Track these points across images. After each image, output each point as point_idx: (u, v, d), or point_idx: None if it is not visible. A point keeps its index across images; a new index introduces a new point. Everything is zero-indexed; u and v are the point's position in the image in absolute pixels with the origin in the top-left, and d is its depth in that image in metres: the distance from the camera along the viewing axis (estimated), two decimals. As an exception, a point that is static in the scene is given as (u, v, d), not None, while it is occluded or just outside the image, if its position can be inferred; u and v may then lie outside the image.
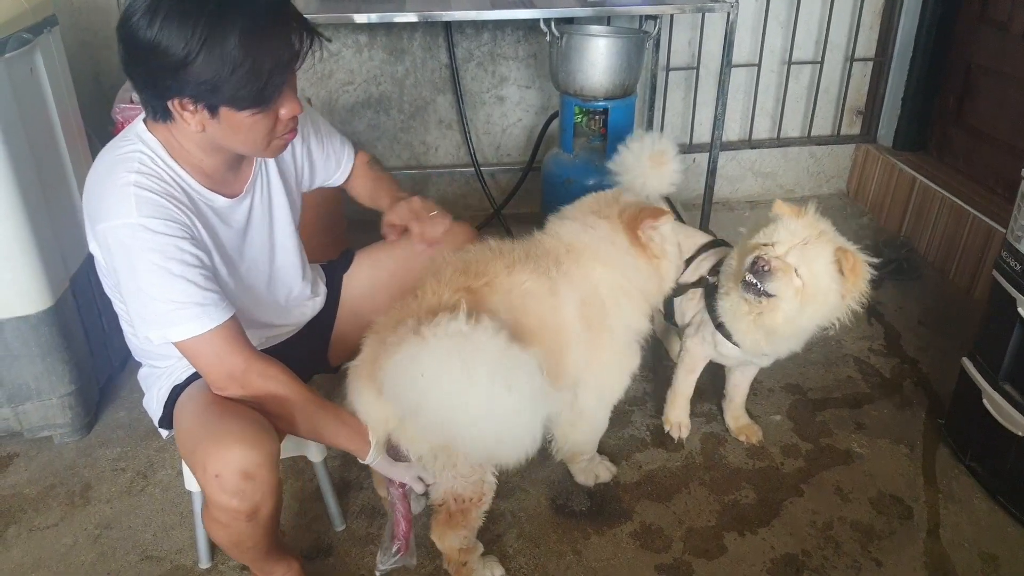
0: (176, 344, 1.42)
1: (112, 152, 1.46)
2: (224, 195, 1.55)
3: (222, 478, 1.37)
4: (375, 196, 1.90)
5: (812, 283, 1.78)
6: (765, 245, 1.81)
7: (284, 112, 1.42)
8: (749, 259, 1.81)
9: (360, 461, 1.61)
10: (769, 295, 1.80)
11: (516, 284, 1.64)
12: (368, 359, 1.56)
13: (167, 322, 1.39)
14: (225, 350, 1.43)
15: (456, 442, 1.44)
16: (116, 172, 1.41)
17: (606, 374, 1.84)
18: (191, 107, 1.35)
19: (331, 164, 1.84)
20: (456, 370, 1.34)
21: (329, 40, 1.46)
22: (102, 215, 1.39)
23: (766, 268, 1.78)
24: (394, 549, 1.69)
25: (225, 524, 1.46)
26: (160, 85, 1.33)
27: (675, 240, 1.89)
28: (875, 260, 1.82)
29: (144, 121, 1.47)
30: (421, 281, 1.65)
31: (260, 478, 1.39)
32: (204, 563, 1.85)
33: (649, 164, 2.05)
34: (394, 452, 1.60)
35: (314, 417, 1.52)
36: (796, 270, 1.77)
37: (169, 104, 1.35)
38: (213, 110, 1.35)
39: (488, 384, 1.34)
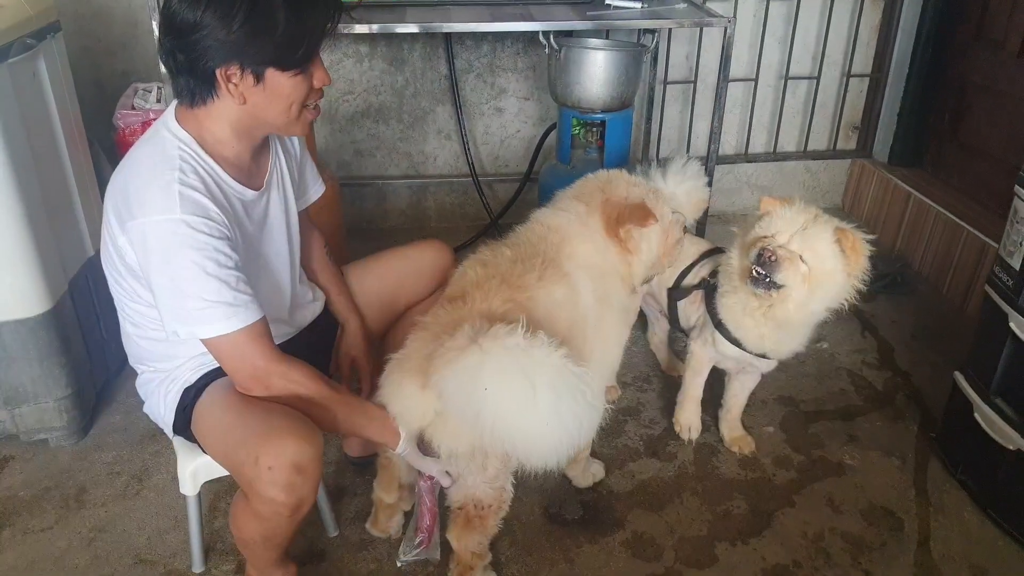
0: (203, 341, 1.45)
1: (148, 148, 1.48)
2: (251, 188, 1.58)
3: (275, 471, 1.39)
4: (336, 295, 1.93)
5: (817, 266, 1.80)
6: (765, 237, 1.83)
7: (316, 81, 1.50)
8: (754, 252, 1.82)
9: (390, 452, 1.63)
10: (778, 286, 1.82)
11: (549, 295, 1.68)
12: (416, 353, 1.56)
13: (196, 319, 1.42)
14: (248, 351, 1.46)
15: (514, 448, 1.46)
16: (159, 169, 1.43)
17: (608, 347, 1.86)
18: (237, 76, 1.41)
19: (310, 177, 1.87)
20: (519, 384, 1.37)
21: (354, 9, 1.54)
22: (142, 210, 1.40)
23: (772, 259, 1.80)
24: (417, 541, 1.72)
25: (265, 518, 1.47)
26: (209, 57, 1.39)
27: (655, 241, 1.90)
28: (871, 236, 1.85)
29: (174, 117, 1.49)
30: (459, 290, 1.69)
31: (309, 472, 1.42)
32: (197, 567, 1.85)
33: (689, 206, 2.13)
34: (423, 448, 1.62)
35: (340, 414, 1.56)
36: (800, 256, 1.80)
37: (217, 73, 1.40)
38: (259, 75, 1.42)
39: (553, 397, 1.37)
